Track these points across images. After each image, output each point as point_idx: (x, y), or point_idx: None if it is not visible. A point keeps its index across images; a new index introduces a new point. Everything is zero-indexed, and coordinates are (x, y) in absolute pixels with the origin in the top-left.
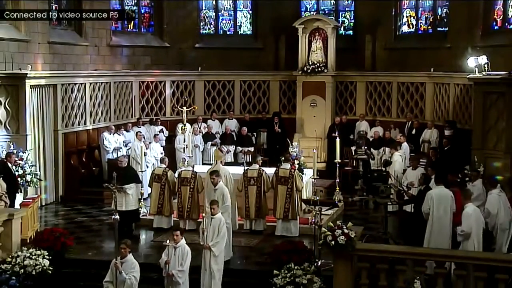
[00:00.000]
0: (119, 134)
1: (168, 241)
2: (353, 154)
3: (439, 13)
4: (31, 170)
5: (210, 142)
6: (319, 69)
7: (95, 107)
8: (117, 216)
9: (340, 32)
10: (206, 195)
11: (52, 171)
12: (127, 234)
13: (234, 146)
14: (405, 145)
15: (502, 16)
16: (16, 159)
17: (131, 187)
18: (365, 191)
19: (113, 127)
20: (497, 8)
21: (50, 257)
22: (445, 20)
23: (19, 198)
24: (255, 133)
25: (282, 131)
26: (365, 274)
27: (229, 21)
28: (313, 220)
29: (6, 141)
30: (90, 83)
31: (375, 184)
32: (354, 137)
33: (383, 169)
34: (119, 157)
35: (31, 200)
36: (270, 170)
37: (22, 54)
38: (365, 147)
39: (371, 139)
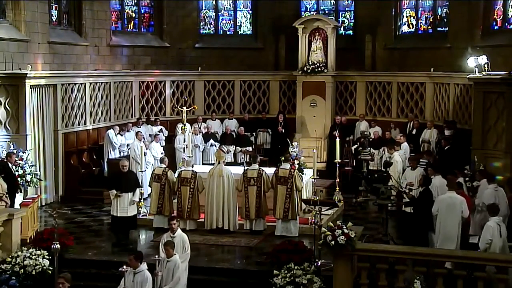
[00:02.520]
0: (121, 135)
1: (124, 266)
2: (356, 153)
3: (439, 13)
4: (31, 170)
5: (208, 143)
6: (319, 69)
7: (95, 107)
8: (58, 245)
9: (340, 32)
10: (162, 244)
11: (52, 171)
12: (122, 240)
13: (234, 146)
14: (405, 145)
15: (502, 16)
16: (16, 159)
17: (112, 193)
18: (369, 192)
19: (117, 127)
20: (497, 8)
21: (50, 257)
22: (445, 20)
23: (19, 198)
24: (254, 133)
25: (285, 130)
26: (365, 274)
27: (229, 21)
28: (313, 220)
29: (6, 141)
30: (90, 83)
31: (376, 186)
32: (355, 137)
33: (383, 170)
34: (120, 160)
35: (31, 200)
36: (270, 170)
37: (22, 54)
38: (369, 148)
39: (371, 139)
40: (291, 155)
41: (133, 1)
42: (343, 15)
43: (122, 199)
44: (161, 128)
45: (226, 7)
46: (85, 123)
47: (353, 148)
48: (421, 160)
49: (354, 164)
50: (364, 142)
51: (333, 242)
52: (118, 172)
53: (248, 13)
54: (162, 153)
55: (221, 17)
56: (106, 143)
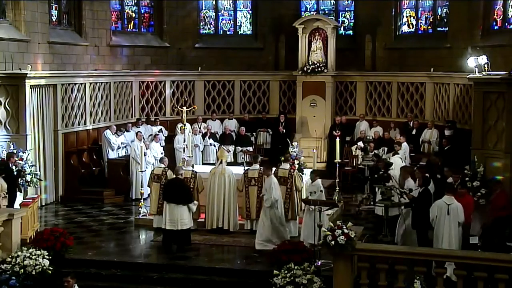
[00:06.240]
0: (118, 135)
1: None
2: (359, 158)
3: (439, 13)
4: (31, 170)
5: (207, 141)
6: (319, 69)
7: (95, 107)
8: None
9: (340, 32)
10: None
11: (52, 171)
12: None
13: (233, 146)
14: (405, 145)
15: (502, 16)
16: (16, 159)
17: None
18: (372, 200)
19: (114, 127)
20: (497, 8)
21: (50, 257)
22: (445, 20)
23: (19, 198)
24: (254, 133)
25: (286, 130)
26: (365, 274)
27: (229, 21)
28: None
29: (6, 141)
30: (90, 83)
31: (376, 186)
32: (355, 137)
33: (383, 170)
34: (180, 168)
35: (31, 200)
36: None
37: (22, 54)
38: (373, 153)
39: (372, 140)
40: (291, 155)
41: (133, 1)
42: (343, 15)
43: (182, 210)
44: (161, 128)
45: (226, 7)
46: (85, 123)
47: (353, 148)
48: (420, 162)
49: (354, 165)
50: (366, 147)
51: (333, 242)
52: (177, 181)
53: (248, 13)
54: (162, 153)
55: (221, 17)
56: (104, 143)
